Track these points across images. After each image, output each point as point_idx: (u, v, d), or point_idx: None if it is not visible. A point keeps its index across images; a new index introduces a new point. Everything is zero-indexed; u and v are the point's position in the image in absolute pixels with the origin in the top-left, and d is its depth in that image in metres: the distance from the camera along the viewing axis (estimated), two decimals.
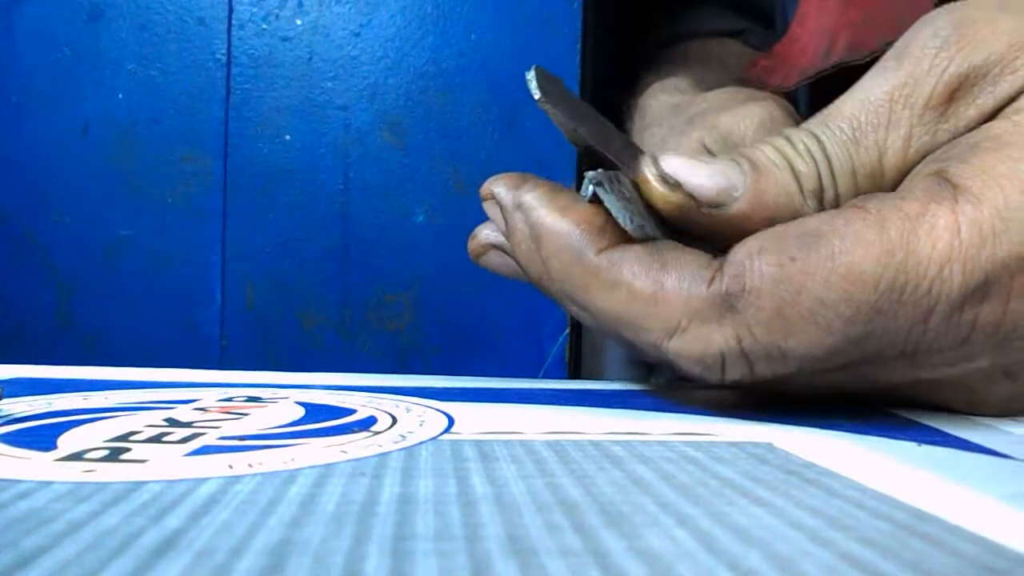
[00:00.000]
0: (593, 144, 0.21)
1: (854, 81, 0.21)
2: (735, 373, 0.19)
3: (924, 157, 0.20)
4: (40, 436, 0.16)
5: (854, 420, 0.20)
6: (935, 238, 0.18)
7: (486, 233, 0.24)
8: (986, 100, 0.20)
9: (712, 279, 0.18)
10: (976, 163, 0.18)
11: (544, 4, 0.34)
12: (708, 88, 0.35)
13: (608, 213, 0.20)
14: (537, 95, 0.20)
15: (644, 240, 0.20)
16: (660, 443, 0.17)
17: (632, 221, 0.20)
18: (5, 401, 0.20)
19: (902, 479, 0.14)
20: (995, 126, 0.19)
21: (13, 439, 0.16)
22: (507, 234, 0.22)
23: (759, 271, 0.18)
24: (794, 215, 0.20)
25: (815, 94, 0.34)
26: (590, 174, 0.20)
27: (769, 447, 0.16)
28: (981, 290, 0.18)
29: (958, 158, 0.19)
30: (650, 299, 0.19)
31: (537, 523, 0.11)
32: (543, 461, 0.15)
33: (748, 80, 0.34)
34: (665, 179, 0.20)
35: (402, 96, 0.34)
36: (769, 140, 0.21)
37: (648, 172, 0.20)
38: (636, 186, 0.21)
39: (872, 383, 0.20)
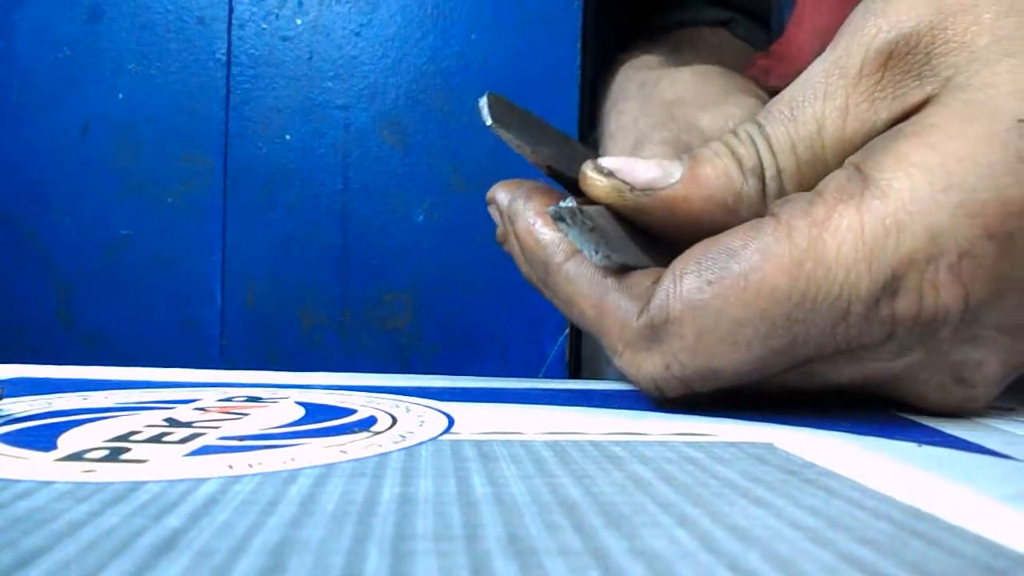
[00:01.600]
0: (553, 165, 0.22)
1: None
2: (673, 392, 0.20)
3: (864, 128, 0.20)
4: (40, 436, 0.16)
5: (854, 420, 0.20)
6: (840, 240, 0.18)
7: None
8: (927, 76, 0.19)
9: (642, 310, 0.20)
10: (892, 152, 0.18)
11: (544, 4, 0.34)
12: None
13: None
14: (488, 121, 0.21)
15: (617, 269, 0.21)
16: (660, 443, 0.17)
17: (597, 251, 0.20)
18: (5, 401, 0.20)
19: (902, 479, 0.14)
20: (926, 110, 0.19)
21: (13, 439, 0.16)
22: (509, 235, 0.24)
23: (679, 297, 0.19)
24: (735, 195, 0.20)
25: None
26: (551, 209, 0.20)
27: (769, 447, 0.16)
28: (891, 286, 0.18)
29: (880, 148, 0.19)
30: (594, 320, 0.21)
31: (537, 523, 0.11)
32: (543, 461, 0.15)
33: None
34: (600, 170, 0.21)
35: (402, 96, 0.34)
36: (719, 138, 0.21)
37: (587, 168, 0.21)
38: (606, 210, 0.21)
39: (825, 380, 0.20)
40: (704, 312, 0.19)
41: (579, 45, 0.34)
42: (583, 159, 0.22)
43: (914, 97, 0.19)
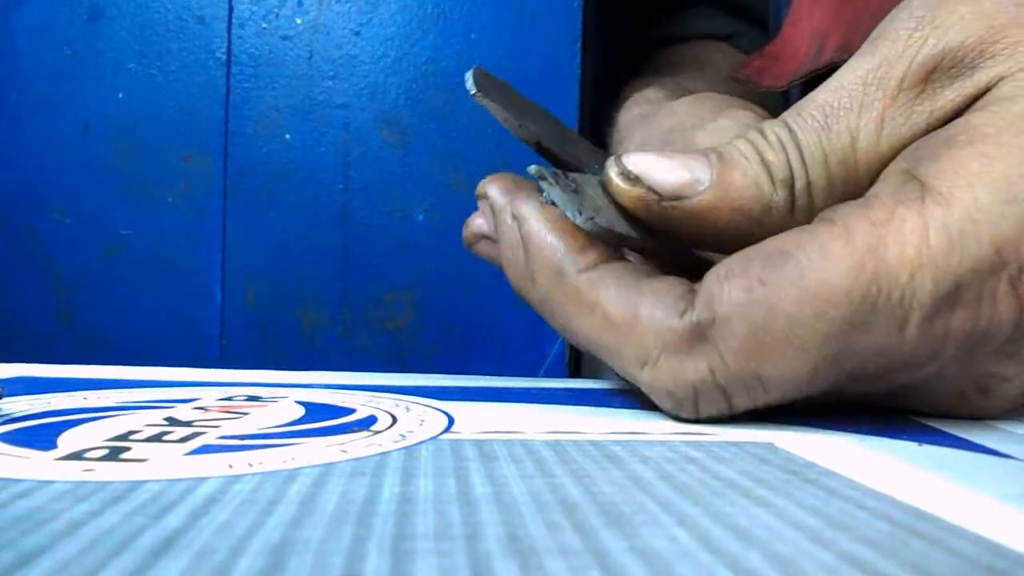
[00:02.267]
0: (543, 142, 0.21)
1: None
2: (710, 408, 0.19)
3: (899, 143, 0.19)
4: (40, 435, 0.16)
5: (854, 420, 0.20)
6: (903, 243, 0.17)
7: (479, 223, 0.23)
8: (964, 85, 0.19)
9: (685, 310, 0.18)
10: (947, 160, 0.18)
11: (544, 4, 0.34)
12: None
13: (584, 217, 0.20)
14: (472, 91, 0.20)
15: (601, 233, 0.20)
16: (660, 443, 0.17)
17: (580, 212, 0.19)
18: (5, 400, 0.20)
19: (902, 479, 0.14)
20: (972, 117, 0.19)
21: (13, 438, 0.16)
22: (496, 236, 0.22)
23: (728, 297, 0.17)
24: (763, 207, 0.19)
25: (807, 94, 0.34)
26: (531, 168, 0.20)
27: (770, 447, 0.16)
28: (952, 296, 0.17)
29: (930, 155, 0.18)
30: (624, 326, 0.19)
31: (537, 523, 0.11)
32: (543, 461, 0.15)
33: (739, 80, 0.34)
34: (626, 174, 0.20)
35: (402, 95, 0.34)
36: (743, 134, 0.20)
37: (611, 171, 0.20)
38: (600, 184, 0.20)
39: (848, 394, 0.20)
40: (756, 308, 0.17)
41: (579, 45, 0.34)
42: (574, 141, 0.21)
43: (951, 106, 0.19)
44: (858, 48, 0.21)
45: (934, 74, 0.19)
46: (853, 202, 0.18)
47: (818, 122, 0.20)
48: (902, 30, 0.20)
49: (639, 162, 0.20)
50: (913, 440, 0.18)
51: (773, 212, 0.19)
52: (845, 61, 0.21)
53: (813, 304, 0.17)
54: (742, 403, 0.18)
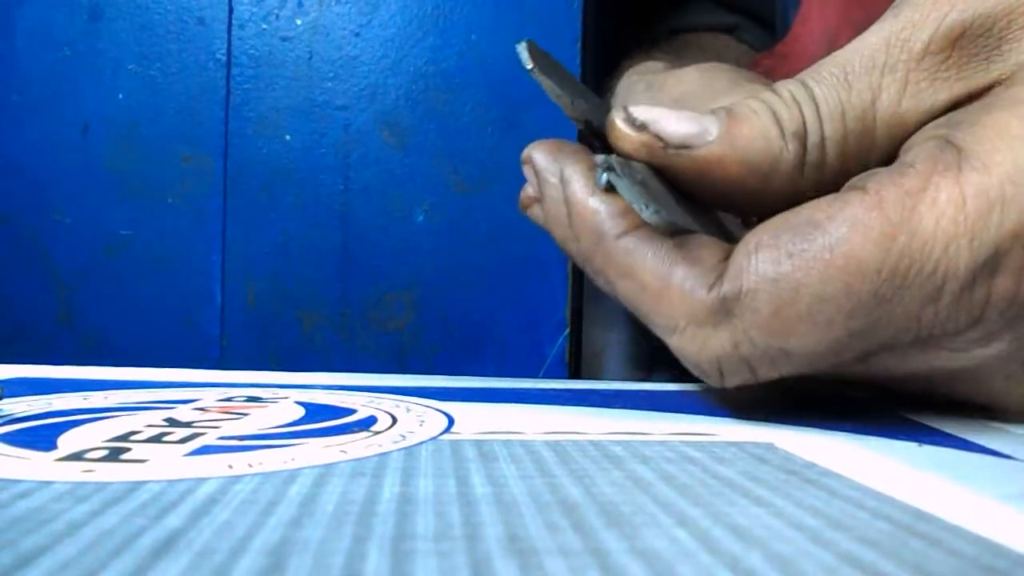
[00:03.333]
0: (593, 121, 0.21)
1: None
2: (735, 379, 0.19)
3: (922, 107, 0.19)
4: (40, 436, 0.16)
5: (854, 420, 0.20)
6: (938, 214, 0.17)
7: (529, 189, 0.24)
8: (997, 60, 0.18)
9: (714, 283, 0.18)
10: (987, 123, 0.17)
11: (544, 4, 0.34)
12: None
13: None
14: (529, 64, 0.20)
15: (665, 226, 0.19)
16: (660, 443, 0.17)
17: (647, 206, 0.19)
18: (5, 401, 0.20)
19: (902, 479, 0.14)
20: (1009, 88, 0.18)
21: (13, 439, 0.16)
22: (540, 198, 0.22)
23: (755, 271, 0.17)
24: (772, 160, 0.19)
25: None
26: (599, 159, 0.19)
27: (770, 447, 0.16)
28: (991, 264, 0.17)
29: (967, 120, 0.18)
30: (656, 294, 0.19)
31: (537, 523, 0.11)
32: (543, 461, 0.15)
33: None
34: (631, 120, 0.19)
35: (402, 96, 0.34)
36: (756, 93, 0.20)
37: (616, 117, 0.20)
38: (649, 168, 0.20)
39: (888, 373, 0.19)
40: (783, 285, 0.17)
41: (579, 45, 0.34)
42: None
43: (979, 80, 0.19)
44: None
45: (962, 40, 0.19)
46: (887, 169, 0.18)
47: (837, 78, 0.19)
48: None
49: (646, 111, 0.19)
50: (913, 440, 0.18)
51: (782, 168, 0.19)
52: None
53: (841, 279, 0.17)
54: (766, 374, 0.18)
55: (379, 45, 0.34)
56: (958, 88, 0.19)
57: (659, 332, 0.19)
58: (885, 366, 0.19)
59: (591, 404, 0.22)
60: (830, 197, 0.18)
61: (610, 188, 0.20)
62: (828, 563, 0.10)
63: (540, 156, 0.22)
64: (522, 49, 0.20)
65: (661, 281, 0.19)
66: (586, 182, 0.20)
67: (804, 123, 0.19)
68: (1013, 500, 0.13)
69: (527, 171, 0.23)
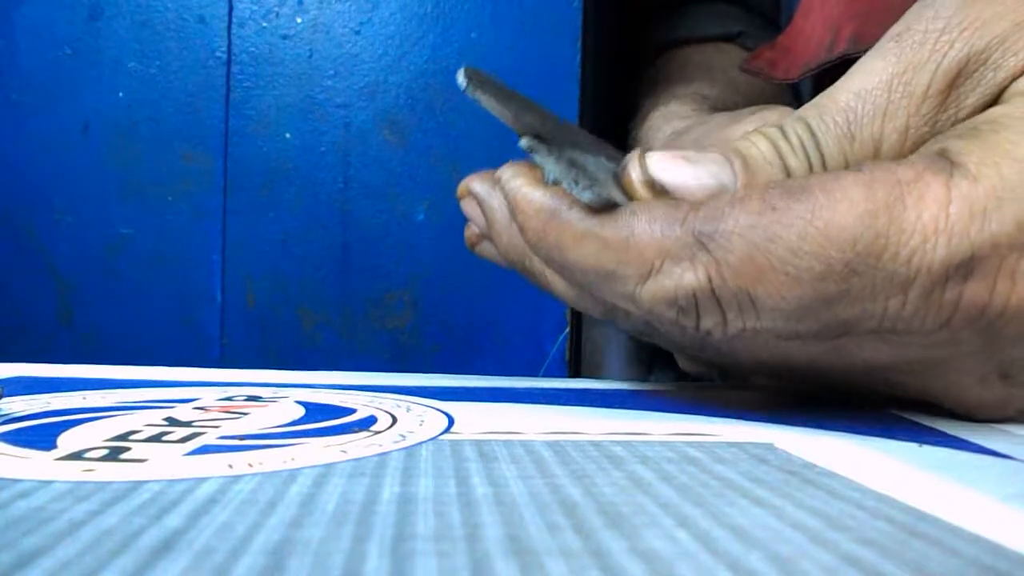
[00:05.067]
0: (542, 133, 0.21)
1: None
2: (709, 321, 0.19)
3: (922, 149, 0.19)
4: (40, 435, 0.16)
5: (854, 420, 0.20)
6: (922, 208, 0.17)
7: (475, 224, 0.24)
8: (987, 88, 0.19)
9: (685, 218, 0.18)
10: (975, 140, 0.18)
11: (544, 4, 0.34)
12: (711, 106, 0.35)
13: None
14: (464, 84, 0.19)
15: (601, 204, 0.19)
16: (661, 443, 0.17)
17: (578, 183, 0.19)
18: (5, 400, 0.20)
19: (902, 479, 0.14)
20: (994, 111, 0.19)
21: (13, 438, 0.16)
22: (487, 224, 0.22)
23: (735, 214, 0.18)
24: None
25: (819, 86, 0.34)
26: (523, 141, 0.19)
27: (770, 447, 0.16)
28: (966, 267, 0.17)
29: (957, 136, 0.18)
30: (622, 245, 0.18)
31: (537, 523, 0.11)
32: (543, 461, 0.15)
33: (749, 72, 0.34)
34: (650, 184, 0.19)
35: (403, 94, 0.34)
36: (763, 131, 0.20)
37: (633, 174, 0.20)
38: (614, 176, 0.20)
39: (849, 360, 0.19)
40: (760, 231, 0.17)
41: (579, 45, 0.34)
42: (574, 132, 0.21)
43: (974, 106, 0.19)
44: (872, 41, 0.20)
45: (959, 79, 0.19)
46: (884, 159, 0.18)
47: (841, 129, 0.20)
48: (930, 31, 0.19)
49: (662, 168, 0.19)
50: (913, 440, 0.18)
51: None
52: (858, 53, 0.20)
53: (817, 241, 0.17)
54: (735, 322, 0.18)
55: (379, 43, 0.34)
56: (958, 119, 0.19)
57: (627, 288, 0.19)
58: (847, 350, 0.19)
59: (591, 404, 0.22)
60: (826, 173, 0.18)
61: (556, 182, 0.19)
62: (828, 563, 0.10)
63: (478, 184, 0.22)
64: (460, 73, 0.20)
65: (625, 231, 0.18)
66: (528, 180, 0.20)
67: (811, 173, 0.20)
68: (1013, 500, 0.13)
69: (467, 206, 0.23)
